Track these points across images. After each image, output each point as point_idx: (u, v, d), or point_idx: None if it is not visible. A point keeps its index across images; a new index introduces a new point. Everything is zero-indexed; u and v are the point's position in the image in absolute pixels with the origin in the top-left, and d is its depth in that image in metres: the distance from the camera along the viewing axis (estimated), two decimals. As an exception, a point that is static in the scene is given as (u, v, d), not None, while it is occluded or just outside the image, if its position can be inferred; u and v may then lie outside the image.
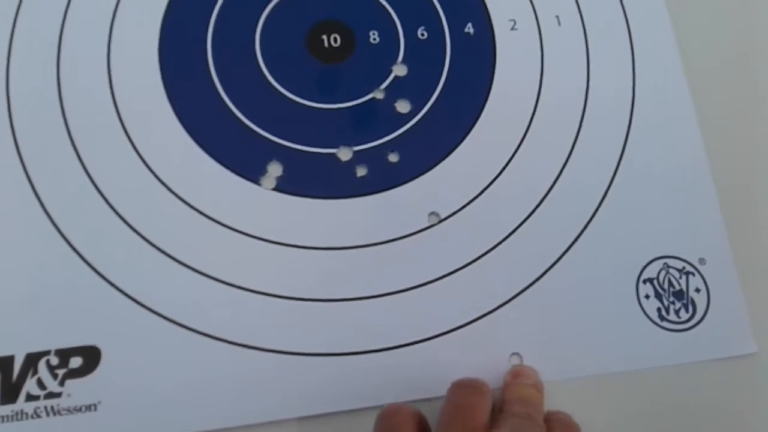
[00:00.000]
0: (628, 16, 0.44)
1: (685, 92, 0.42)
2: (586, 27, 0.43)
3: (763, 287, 0.39)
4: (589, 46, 0.43)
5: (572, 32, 0.43)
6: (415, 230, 0.38)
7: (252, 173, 0.38)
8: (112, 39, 0.41)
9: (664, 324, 0.37)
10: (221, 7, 0.42)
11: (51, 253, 0.36)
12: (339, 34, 0.42)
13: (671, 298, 0.38)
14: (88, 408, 0.33)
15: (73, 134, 0.38)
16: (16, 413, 0.33)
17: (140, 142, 0.38)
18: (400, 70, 0.42)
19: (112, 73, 0.40)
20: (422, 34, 0.43)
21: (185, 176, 0.38)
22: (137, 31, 0.41)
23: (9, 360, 0.33)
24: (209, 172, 0.38)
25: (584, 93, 0.42)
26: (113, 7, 0.41)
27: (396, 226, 0.38)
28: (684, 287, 0.38)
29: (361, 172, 0.39)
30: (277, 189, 0.38)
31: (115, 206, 0.37)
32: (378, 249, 0.37)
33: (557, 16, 0.44)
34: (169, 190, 0.37)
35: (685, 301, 0.38)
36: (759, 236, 0.40)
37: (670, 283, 0.38)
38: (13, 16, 0.40)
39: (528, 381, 0.35)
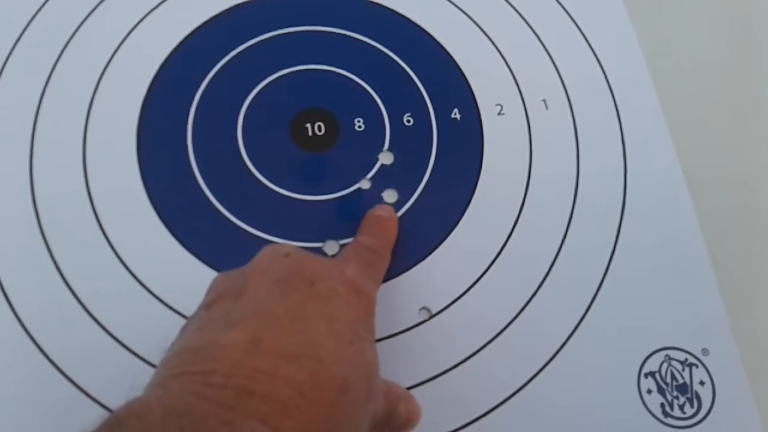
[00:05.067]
0: (616, 98, 0.45)
1: (678, 176, 0.43)
2: (574, 110, 0.45)
3: (770, 375, 0.39)
4: (578, 130, 0.44)
5: (560, 116, 0.45)
6: (407, 327, 0.38)
7: (236, 271, 0.39)
8: (88, 130, 0.41)
9: (669, 420, 0.37)
10: (202, 96, 0.43)
11: (32, 372, 0.36)
12: (323, 122, 0.43)
13: (675, 393, 0.38)
14: None
15: (48, 239, 0.38)
16: None
17: (120, 245, 0.39)
18: (386, 158, 0.43)
19: (88, 166, 0.40)
20: (408, 121, 0.44)
21: (167, 278, 0.38)
22: (114, 121, 0.42)
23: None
24: (193, 273, 0.38)
25: (575, 178, 0.43)
26: (89, 98, 0.42)
27: (386, 323, 0.38)
28: (688, 380, 0.38)
29: (348, 266, 0.39)
30: (262, 287, 0.38)
31: (93, 312, 0.37)
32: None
33: (544, 100, 0.45)
34: (152, 293, 0.38)
35: (689, 395, 0.38)
36: (762, 323, 0.41)
37: (673, 377, 0.38)
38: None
39: (382, 212, 0.39)
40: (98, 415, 0.33)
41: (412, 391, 0.37)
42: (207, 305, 0.29)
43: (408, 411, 0.34)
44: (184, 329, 0.29)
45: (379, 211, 0.40)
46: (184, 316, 0.37)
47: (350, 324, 0.28)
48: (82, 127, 0.41)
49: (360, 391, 0.26)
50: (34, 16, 0.43)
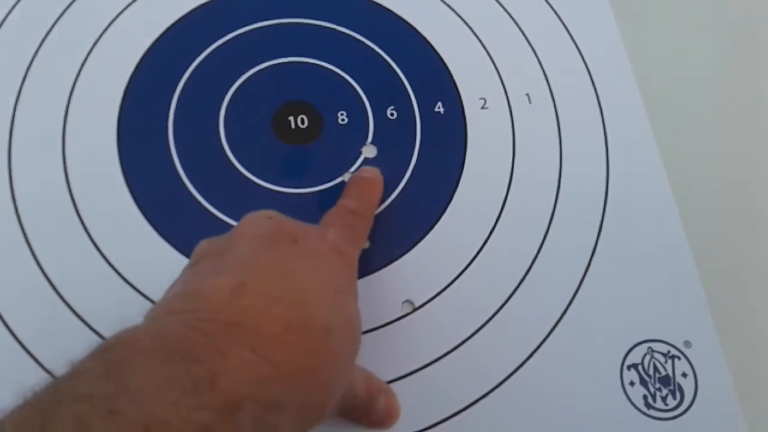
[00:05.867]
0: (599, 94, 0.46)
1: (660, 170, 0.44)
2: (557, 105, 0.45)
3: (752, 368, 0.40)
4: (561, 124, 0.44)
5: (543, 110, 0.45)
6: (390, 320, 0.38)
7: (217, 264, 0.38)
8: (68, 123, 0.41)
9: (651, 412, 0.37)
10: (183, 87, 0.43)
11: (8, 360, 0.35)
12: (306, 115, 0.43)
13: (657, 385, 0.38)
14: None
15: (24, 225, 0.38)
16: None
17: (98, 234, 0.38)
18: (369, 151, 0.43)
19: (68, 159, 0.40)
20: (392, 114, 0.44)
21: (149, 271, 0.38)
22: (94, 113, 0.41)
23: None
24: (175, 266, 0.38)
25: (558, 171, 0.43)
26: (69, 89, 0.42)
27: (369, 316, 0.38)
28: (670, 372, 0.38)
29: (331, 260, 0.39)
30: (243, 280, 0.38)
31: (71, 303, 0.37)
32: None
33: (527, 94, 0.45)
34: (134, 287, 0.37)
35: (672, 387, 0.38)
36: (744, 315, 0.41)
37: (656, 369, 0.38)
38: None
39: (366, 174, 0.40)
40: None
41: (396, 384, 0.37)
42: (193, 264, 0.30)
43: (388, 405, 0.34)
44: (172, 286, 0.29)
45: (363, 173, 0.40)
46: (164, 309, 0.37)
47: (334, 278, 0.29)
48: (62, 117, 0.41)
49: (343, 337, 0.27)
50: (14, 6, 0.43)
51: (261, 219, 0.31)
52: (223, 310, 0.24)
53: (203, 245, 0.31)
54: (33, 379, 0.22)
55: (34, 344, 0.36)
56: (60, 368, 0.34)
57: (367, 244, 0.39)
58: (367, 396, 0.33)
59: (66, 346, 0.34)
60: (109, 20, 0.43)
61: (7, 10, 0.43)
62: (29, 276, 0.37)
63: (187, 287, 0.27)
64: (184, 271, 0.30)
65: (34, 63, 0.42)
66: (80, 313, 0.36)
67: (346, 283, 0.30)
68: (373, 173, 0.40)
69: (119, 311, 0.36)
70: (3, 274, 0.37)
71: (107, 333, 0.35)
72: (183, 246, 0.39)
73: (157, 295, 0.36)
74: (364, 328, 0.37)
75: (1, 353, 0.35)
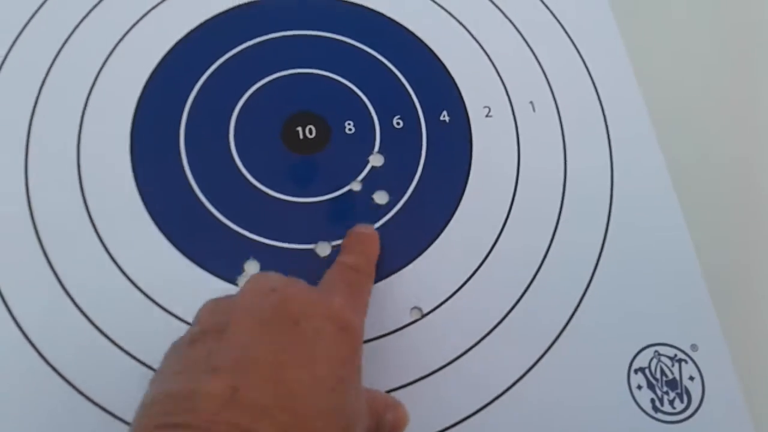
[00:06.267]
0: (602, 99, 0.46)
1: (664, 174, 0.44)
2: (561, 112, 0.46)
3: (759, 371, 0.40)
4: (565, 131, 0.45)
5: (547, 118, 0.45)
6: (398, 327, 0.39)
7: (229, 273, 0.39)
8: (83, 133, 0.42)
9: (659, 415, 0.38)
10: (194, 100, 0.43)
11: (26, 369, 0.36)
12: (314, 125, 0.44)
13: (665, 388, 0.38)
14: None
15: (42, 237, 0.39)
16: None
17: (113, 245, 0.39)
18: (376, 160, 0.43)
19: (82, 171, 0.41)
20: (398, 123, 0.44)
21: (160, 279, 0.39)
22: (108, 126, 0.42)
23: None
24: (185, 274, 0.39)
25: (563, 179, 0.44)
26: (84, 101, 0.43)
27: (377, 323, 0.39)
28: (677, 376, 0.39)
29: (340, 267, 0.40)
30: (254, 288, 0.39)
31: (88, 313, 0.37)
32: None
33: (531, 102, 0.46)
34: (145, 294, 0.38)
35: (679, 391, 0.38)
36: (751, 318, 0.41)
37: (663, 372, 0.39)
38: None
39: (362, 229, 0.40)
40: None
41: (404, 391, 0.37)
42: (191, 341, 0.29)
43: (395, 419, 0.35)
44: (168, 365, 0.29)
45: (360, 228, 0.40)
46: (178, 318, 0.38)
47: (334, 368, 0.28)
48: (77, 129, 0.42)
49: None
50: (31, 18, 0.44)
51: (263, 291, 0.30)
52: (211, 428, 0.24)
53: (204, 315, 0.31)
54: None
55: (57, 360, 0.36)
56: (81, 381, 0.35)
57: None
58: (373, 424, 0.33)
59: (84, 357, 0.36)
60: (123, 32, 0.44)
61: (23, 23, 0.44)
62: (48, 289, 0.38)
63: (181, 385, 0.26)
64: (181, 347, 0.29)
65: (49, 75, 0.43)
66: (99, 324, 0.37)
67: (348, 368, 0.29)
68: (369, 229, 0.41)
69: (133, 320, 0.37)
70: (20, 285, 0.38)
71: (123, 343, 0.37)
72: (193, 254, 0.39)
73: (167, 302, 0.38)
74: (372, 335, 0.38)
75: (26, 372, 0.36)
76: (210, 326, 0.29)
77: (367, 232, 0.40)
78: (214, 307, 0.31)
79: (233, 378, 0.26)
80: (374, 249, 0.39)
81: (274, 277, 0.32)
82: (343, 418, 0.28)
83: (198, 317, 0.31)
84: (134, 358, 0.37)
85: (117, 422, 0.35)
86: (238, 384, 0.26)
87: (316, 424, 0.26)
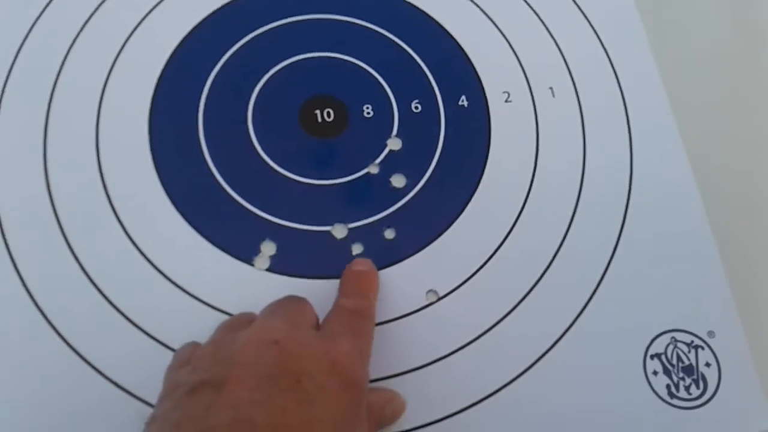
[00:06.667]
0: (622, 86, 0.46)
1: (684, 160, 0.44)
2: (581, 98, 0.45)
3: (776, 358, 0.40)
4: (584, 117, 0.45)
5: (567, 103, 0.45)
6: (414, 309, 0.39)
7: (245, 253, 0.40)
8: (101, 118, 0.42)
9: (675, 401, 0.38)
10: (213, 82, 0.44)
11: (40, 343, 0.36)
12: (332, 109, 0.44)
13: (681, 374, 0.38)
14: None
15: (61, 218, 0.39)
16: None
17: (131, 225, 0.39)
18: (394, 144, 0.43)
19: (101, 153, 0.41)
20: (416, 108, 0.44)
21: (177, 258, 0.39)
22: (126, 107, 0.43)
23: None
24: (201, 253, 0.39)
25: (581, 164, 0.44)
26: (102, 83, 0.43)
27: (393, 305, 0.39)
28: (693, 362, 0.39)
29: (356, 249, 0.40)
30: (270, 269, 0.39)
31: (105, 291, 0.38)
32: (376, 330, 0.38)
33: (551, 88, 0.46)
34: (161, 272, 0.38)
35: (695, 377, 0.38)
36: (767, 305, 0.41)
37: (679, 358, 0.39)
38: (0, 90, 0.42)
39: (360, 267, 0.39)
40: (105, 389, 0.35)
41: (420, 372, 0.37)
42: (189, 391, 0.28)
43: (393, 411, 0.35)
44: (165, 412, 0.28)
45: (357, 266, 0.39)
46: (196, 298, 0.38)
47: (335, 427, 0.28)
48: (95, 113, 0.42)
49: None
50: (50, 1, 0.44)
51: (266, 344, 0.29)
52: None
53: (205, 360, 0.30)
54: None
55: (78, 341, 0.37)
56: (102, 361, 0.35)
57: (392, 235, 0.40)
58: (375, 422, 0.33)
59: (107, 339, 0.36)
60: (142, 16, 0.45)
61: (44, 4, 0.44)
62: (67, 270, 0.38)
63: None
64: (179, 395, 0.28)
65: (67, 60, 0.43)
66: (119, 306, 0.38)
67: (350, 425, 0.29)
68: (366, 265, 0.39)
69: (151, 300, 0.38)
70: (40, 268, 0.38)
71: (142, 323, 0.37)
72: (211, 234, 0.40)
73: (188, 284, 0.38)
74: (388, 317, 0.39)
75: (50, 355, 0.36)
76: (210, 378, 0.28)
77: (365, 269, 0.39)
78: (215, 353, 0.30)
79: None
80: (373, 289, 0.39)
81: (278, 326, 0.31)
82: None
83: (197, 361, 0.30)
84: (154, 338, 0.37)
85: (134, 400, 0.36)
86: None
87: None
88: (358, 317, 0.35)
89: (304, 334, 0.31)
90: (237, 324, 0.33)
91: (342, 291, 0.37)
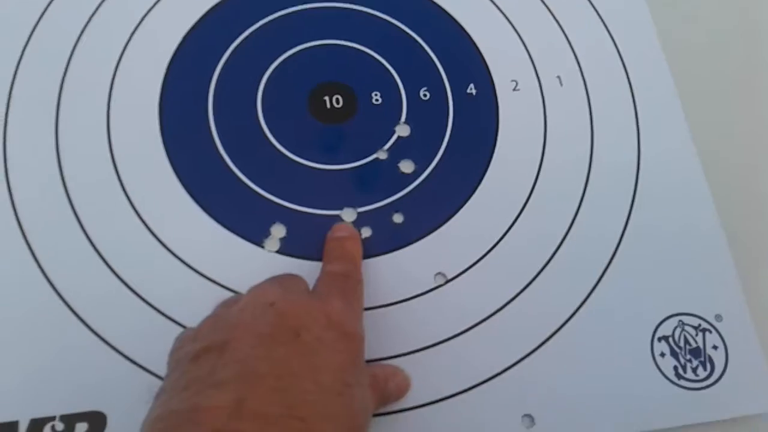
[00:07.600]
0: (630, 76, 0.47)
1: (691, 147, 0.45)
2: (588, 87, 0.46)
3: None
4: (592, 106, 0.46)
5: (574, 92, 0.46)
6: (422, 291, 0.39)
7: (255, 236, 0.40)
8: (112, 101, 0.43)
9: (682, 382, 0.38)
10: (222, 69, 0.44)
11: (53, 319, 0.37)
12: (341, 95, 0.45)
13: (688, 356, 0.39)
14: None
15: (72, 198, 0.40)
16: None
17: (142, 206, 0.40)
18: (403, 130, 0.44)
19: (112, 135, 0.42)
20: (424, 95, 0.45)
21: (188, 239, 0.40)
22: (137, 93, 0.43)
23: (13, 425, 0.34)
24: (212, 235, 0.40)
25: (589, 151, 0.44)
26: (113, 70, 0.44)
27: (402, 287, 0.39)
28: (701, 345, 0.39)
29: (365, 233, 0.41)
30: (280, 251, 0.40)
31: (117, 271, 0.38)
32: (384, 311, 0.39)
33: (559, 77, 0.46)
34: (172, 253, 0.39)
35: (702, 359, 0.39)
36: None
37: (686, 341, 0.39)
38: (11, 76, 0.43)
39: (341, 233, 0.40)
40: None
41: (426, 353, 0.38)
42: (194, 357, 0.29)
43: (397, 386, 0.36)
44: (171, 382, 0.29)
45: (338, 232, 0.40)
46: (207, 278, 0.39)
47: (337, 374, 0.29)
48: (106, 99, 0.43)
49: None
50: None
51: (262, 306, 0.31)
52: None
53: (204, 330, 0.31)
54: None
55: (91, 318, 0.37)
56: (112, 334, 0.36)
57: (401, 219, 0.41)
58: (378, 397, 0.34)
59: (119, 316, 0.37)
60: (151, 4, 0.45)
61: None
62: (81, 251, 0.39)
63: (185, 402, 0.26)
64: (184, 363, 0.29)
65: (78, 46, 0.44)
66: (131, 284, 0.38)
67: (351, 373, 0.30)
68: (347, 230, 0.40)
69: (162, 279, 0.38)
70: (57, 250, 0.39)
71: (154, 301, 0.38)
72: (222, 217, 0.40)
73: (196, 262, 0.39)
74: (396, 299, 0.39)
75: (64, 332, 0.37)
76: (212, 343, 0.29)
77: (346, 234, 0.40)
78: (214, 323, 0.31)
79: (238, 391, 0.26)
80: (357, 251, 0.39)
81: (272, 290, 0.32)
82: (352, 419, 0.29)
83: (197, 333, 0.31)
84: (165, 315, 0.38)
85: (144, 373, 0.36)
86: (244, 396, 0.26)
87: (326, 427, 0.27)
88: (346, 279, 0.36)
89: (298, 295, 0.33)
90: (233, 300, 0.34)
91: (327, 258, 0.38)
